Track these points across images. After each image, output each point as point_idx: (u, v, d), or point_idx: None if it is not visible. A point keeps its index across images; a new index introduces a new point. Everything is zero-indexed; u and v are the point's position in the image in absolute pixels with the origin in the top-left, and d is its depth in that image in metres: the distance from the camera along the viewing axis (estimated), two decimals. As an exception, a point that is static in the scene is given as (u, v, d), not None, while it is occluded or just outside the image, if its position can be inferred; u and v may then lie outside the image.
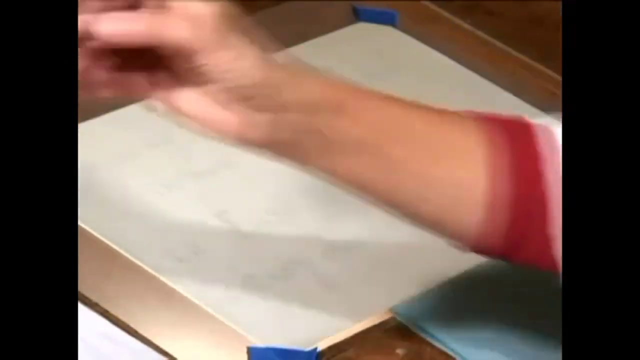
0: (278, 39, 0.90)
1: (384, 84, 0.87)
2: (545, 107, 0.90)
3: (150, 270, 0.73)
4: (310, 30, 0.94)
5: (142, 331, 0.70)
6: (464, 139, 0.65)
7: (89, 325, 0.69)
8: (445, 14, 0.97)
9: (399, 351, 0.71)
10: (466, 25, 0.95)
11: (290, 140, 0.63)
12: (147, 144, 0.83)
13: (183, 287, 0.73)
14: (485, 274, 0.78)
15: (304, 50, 0.92)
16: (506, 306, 0.77)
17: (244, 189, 0.81)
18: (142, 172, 0.81)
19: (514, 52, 0.93)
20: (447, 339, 0.72)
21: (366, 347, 0.72)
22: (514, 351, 0.74)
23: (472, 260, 0.78)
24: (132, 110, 0.84)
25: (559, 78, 0.88)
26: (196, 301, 0.72)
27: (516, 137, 0.67)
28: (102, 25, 0.59)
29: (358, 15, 0.98)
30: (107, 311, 0.70)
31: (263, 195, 0.80)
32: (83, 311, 0.69)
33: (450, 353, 0.72)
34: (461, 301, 0.76)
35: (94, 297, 0.70)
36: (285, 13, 0.95)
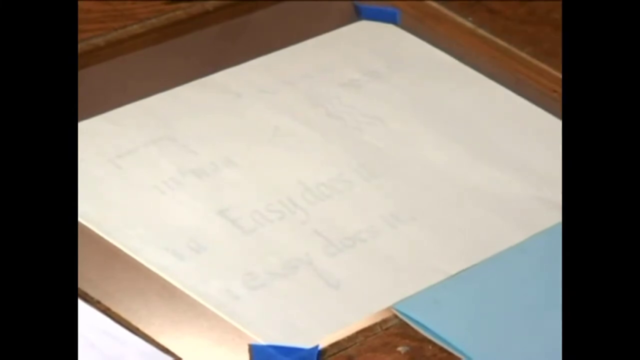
0: (280, 37, 0.91)
1: (385, 82, 0.90)
2: (546, 105, 0.91)
3: (151, 267, 0.74)
4: (311, 28, 0.94)
5: (143, 328, 0.71)
6: None
7: (91, 323, 0.70)
8: (447, 11, 0.96)
9: (401, 349, 0.71)
10: (468, 23, 0.95)
11: None
12: (147, 141, 0.84)
13: (185, 285, 0.73)
14: (486, 271, 0.79)
15: (305, 48, 0.93)
16: (508, 304, 0.77)
17: (245, 186, 0.82)
18: (143, 169, 0.82)
19: (515, 50, 0.94)
20: (448, 337, 0.72)
21: (368, 345, 0.71)
22: (516, 348, 0.74)
23: (474, 258, 0.79)
24: (132, 108, 0.85)
25: (561, 76, 0.88)
26: (198, 298, 0.72)
27: None
28: None
29: (360, 13, 0.97)
30: (108, 309, 0.70)
31: (264, 192, 0.81)
32: (84, 308, 0.70)
33: (452, 351, 0.71)
34: (463, 299, 0.77)
35: (95, 295, 0.71)
36: (287, 11, 0.95)
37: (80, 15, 0.71)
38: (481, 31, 0.95)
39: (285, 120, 0.86)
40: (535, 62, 0.93)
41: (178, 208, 0.80)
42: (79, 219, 0.74)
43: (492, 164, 0.85)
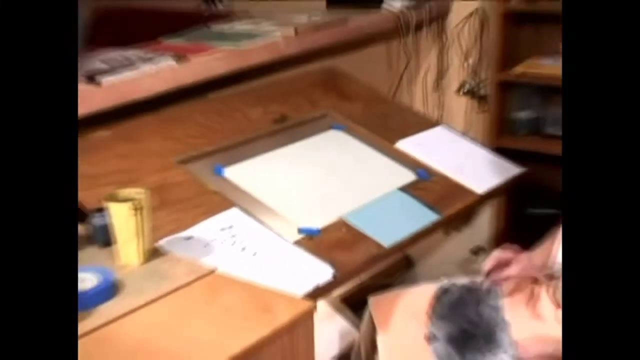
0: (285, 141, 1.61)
1: (334, 161, 1.56)
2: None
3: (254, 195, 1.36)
4: (300, 135, 1.58)
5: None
6: None
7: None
8: (364, 130, 1.64)
9: (344, 229, 1.36)
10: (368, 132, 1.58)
11: None
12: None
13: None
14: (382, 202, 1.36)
15: (300, 145, 1.54)
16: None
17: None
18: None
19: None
20: (364, 226, 1.30)
21: (331, 232, 1.35)
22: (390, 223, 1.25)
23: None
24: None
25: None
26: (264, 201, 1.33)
27: None
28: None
29: (332, 126, 1.65)
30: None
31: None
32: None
33: (368, 234, 1.30)
34: (374, 211, 1.32)
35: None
36: (289, 131, 1.56)
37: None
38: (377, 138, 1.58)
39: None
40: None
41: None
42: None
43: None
